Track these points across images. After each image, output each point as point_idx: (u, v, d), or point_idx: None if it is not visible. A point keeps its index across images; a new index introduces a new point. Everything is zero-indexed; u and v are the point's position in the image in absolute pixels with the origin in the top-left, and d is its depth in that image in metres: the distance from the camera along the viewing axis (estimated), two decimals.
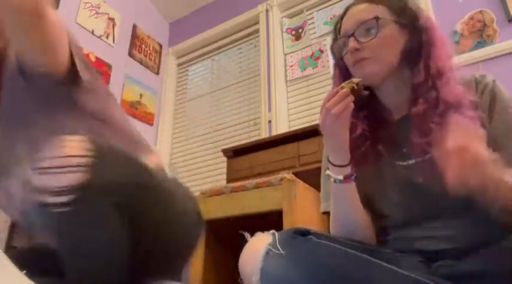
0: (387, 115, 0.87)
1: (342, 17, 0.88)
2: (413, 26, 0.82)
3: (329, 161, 0.80)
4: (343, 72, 0.89)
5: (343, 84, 0.76)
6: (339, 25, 0.88)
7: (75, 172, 0.67)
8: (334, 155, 0.79)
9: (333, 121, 0.73)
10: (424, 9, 2.11)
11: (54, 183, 0.66)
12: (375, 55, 0.80)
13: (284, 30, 2.80)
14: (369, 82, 0.82)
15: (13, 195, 0.86)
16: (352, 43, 0.81)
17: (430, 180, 0.72)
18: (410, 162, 0.79)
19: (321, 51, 2.57)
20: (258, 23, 2.94)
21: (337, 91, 0.74)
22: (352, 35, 0.81)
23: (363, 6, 0.84)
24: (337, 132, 0.75)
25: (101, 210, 0.72)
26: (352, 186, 0.79)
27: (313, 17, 2.71)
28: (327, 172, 0.80)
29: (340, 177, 0.78)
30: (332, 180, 0.79)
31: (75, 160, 0.68)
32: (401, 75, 0.82)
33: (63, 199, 0.66)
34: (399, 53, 0.81)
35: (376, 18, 0.80)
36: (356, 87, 0.76)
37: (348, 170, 0.78)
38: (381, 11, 0.82)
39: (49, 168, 0.67)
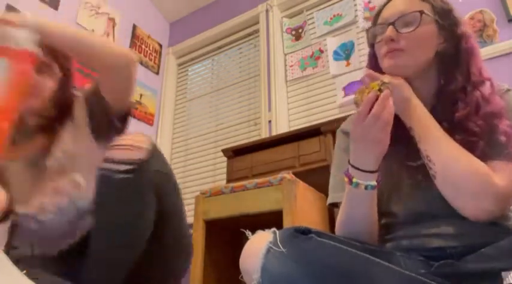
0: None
1: (384, 4, 0.88)
2: (451, 31, 0.82)
3: (356, 167, 0.74)
4: (372, 62, 0.89)
5: (377, 87, 0.71)
6: (379, 12, 0.88)
7: (136, 151, 0.88)
8: (370, 162, 0.73)
9: (382, 127, 0.69)
10: None
11: (118, 155, 0.88)
12: (409, 48, 0.79)
13: (284, 30, 2.80)
14: (397, 74, 0.81)
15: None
16: (389, 32, 0.80)
17: None
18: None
19: (321, 51, 2.57)
20: (258, 23, 2.94)
21: (377, 95, 0.70)
22: (392, 23, 0.81)
23: None
24: (384, 138, 0.71)
25: (149, 185, 0.90)
26: (375, 191, 0.76)
27: (313, 17, 2.71)
28: (354, 180, 0.74)
29: (374, 183, 0.74)
30: (363, 187, 0.74)
31: (137, 144, 0.89)
32: (428, 77, 0.82)
33: (124, 167, 0.86)
34: (432, 54, 0.81)
35: (421, 12, 0.79)
36: (391, 88, 0.71)
37: (376, 175, 0.75)
38: (425, 7, 0.81)
39: (116, 145, 0.89)
